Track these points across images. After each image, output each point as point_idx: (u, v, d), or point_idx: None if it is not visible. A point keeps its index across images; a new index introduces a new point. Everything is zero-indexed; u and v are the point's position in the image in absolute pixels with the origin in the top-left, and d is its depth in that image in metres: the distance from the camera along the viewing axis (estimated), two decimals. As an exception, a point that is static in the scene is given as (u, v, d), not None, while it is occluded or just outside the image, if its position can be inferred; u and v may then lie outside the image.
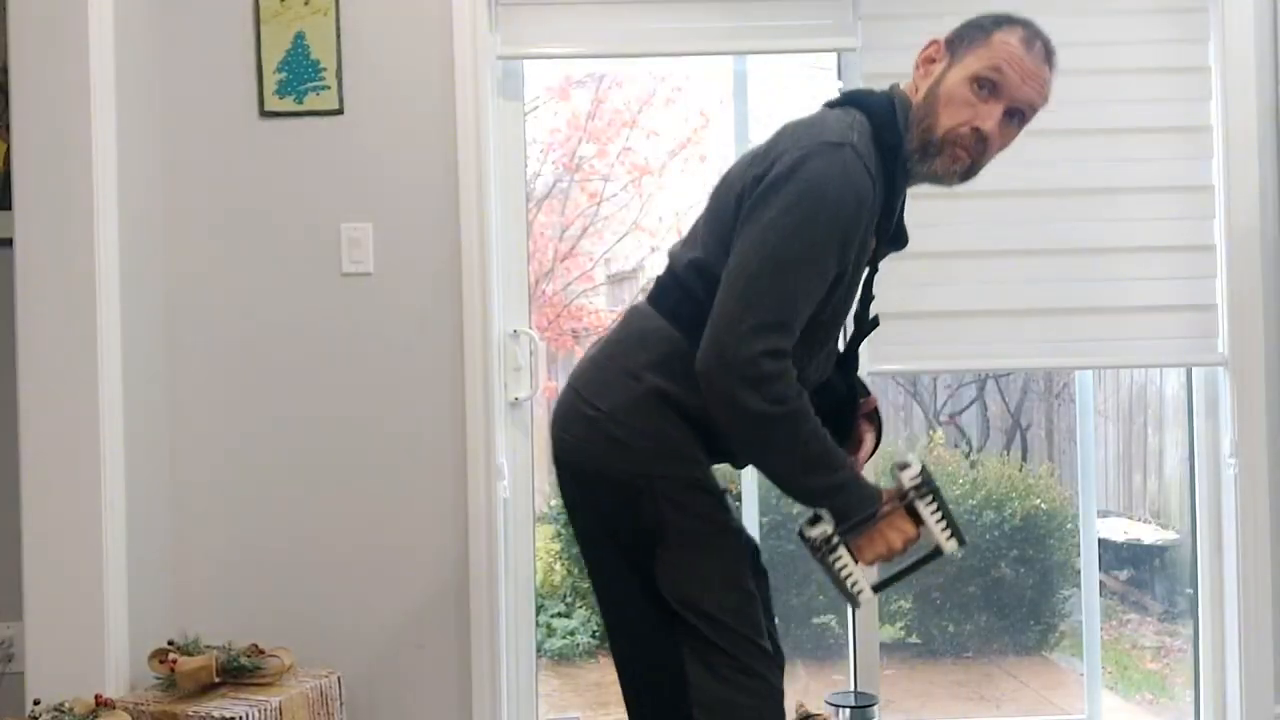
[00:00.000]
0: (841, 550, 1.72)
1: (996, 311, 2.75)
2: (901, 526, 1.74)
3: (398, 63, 2.68)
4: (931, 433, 5.09)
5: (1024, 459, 5.06)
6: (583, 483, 1.83)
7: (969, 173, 1.83)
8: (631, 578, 1.80)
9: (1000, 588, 4.29)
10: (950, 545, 1.75)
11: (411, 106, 2.68)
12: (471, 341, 2.67)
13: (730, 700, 1.76)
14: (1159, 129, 2.75)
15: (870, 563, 1.75)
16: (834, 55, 2.80)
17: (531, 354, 2.79)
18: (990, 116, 1.78)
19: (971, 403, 5.31)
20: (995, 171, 2.72)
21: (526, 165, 2.89)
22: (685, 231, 1.91)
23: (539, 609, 2.86)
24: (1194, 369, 2.86)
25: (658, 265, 4.74)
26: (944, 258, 2.72)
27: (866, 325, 1.94)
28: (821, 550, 1.72)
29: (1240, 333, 2.73)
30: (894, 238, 1.90)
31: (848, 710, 2.64)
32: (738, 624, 1.77)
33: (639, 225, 5.43)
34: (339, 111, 2.67)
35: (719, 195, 1.84)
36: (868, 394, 2.00)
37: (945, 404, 5.30)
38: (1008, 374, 4.99)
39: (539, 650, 2.85)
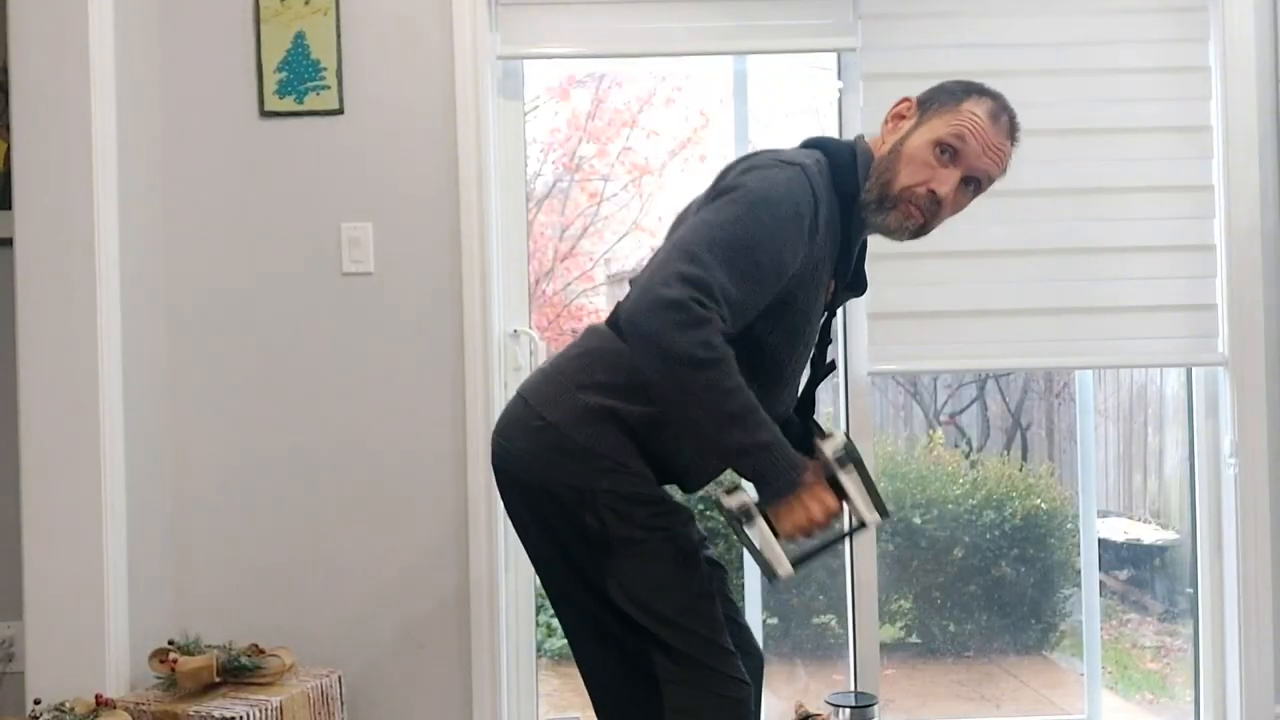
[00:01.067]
0: (760, 521, 1.66)
1: (996, 311, 2.75)
2: (823, 497, 1.69)
3: (398, 63, 2.68)
4: (931, 433, 5.09)
5: (1024, 459, 5.05)
6: (525, 492, 1.82)
7: (920, 231, 1.86)
8: (584, 585, 1.80)
9: (1000, 587, 4.29)
10: (872, 516, 1.70)
11: (411, 106, 2.68)
12: (471, 341, 2.67)
13: (695, 702, 1.76)
14: (1159, 129, 2.75)
15: (790, 535, 1.69)
16: (834, 55, 2.80)
17: (531, 354, 2.79)
18: (947, 181, 1.82)
19: (971, 403, 5.31)
20: (995, 171, 2.73)
21: (526, 165, 2.89)
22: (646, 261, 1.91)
23: (539, 609, 2.86)
24: (1194, 369, 2.86)
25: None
26: (944, 258, 2.72)
27: (823, 369, 1.96)
28: (739, 520, 1.67)
29: (1240, 333, 2.73)
30: (852, 283, 1.93)
31: (848, 710, 2.64)
32: (694, 624, 1.77)
33: (639, 225, 5.43)
34: (339, 111, 2.67)
35: (678, 224, 1.86)
36: (825, 435, 2.00)
37: (945, 404, 5.30)
38: (1008, 374, 4.99)
39: (539, 650, 2.85)
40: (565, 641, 1.94)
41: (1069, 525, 4.27)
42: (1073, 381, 4.18)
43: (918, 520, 4.25)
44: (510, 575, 2.75)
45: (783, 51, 2.79)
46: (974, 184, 1.86)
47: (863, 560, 2.79)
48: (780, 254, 1.71)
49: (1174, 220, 2.76)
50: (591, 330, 1.89)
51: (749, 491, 1.69)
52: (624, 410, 1.76)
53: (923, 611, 4.33)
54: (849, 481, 1.70)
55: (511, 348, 2.76)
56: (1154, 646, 4.24)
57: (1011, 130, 1.88)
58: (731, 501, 1.68)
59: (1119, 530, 4.71)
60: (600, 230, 5.58)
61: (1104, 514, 4.77)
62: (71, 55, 2.32)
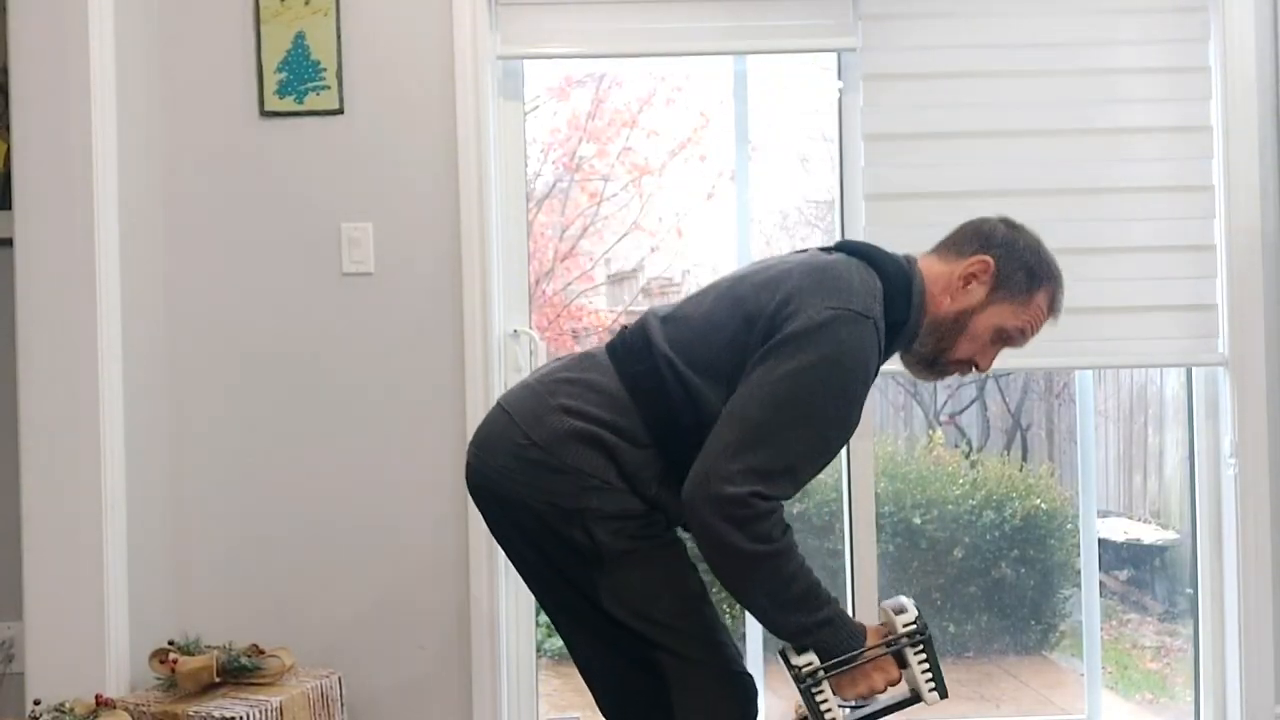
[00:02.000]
0: (825, 685, 1.71)
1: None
2: (887, 669, 1.73)
3: (398, 63, 2.68)
4: (931, 433, 5.09)
5: (1024, 459, 5.05)
6: (506, 508, 1.81)
7: (934, 377, 1.95)
8: (577, 593, 1.79)
9: (1000, 588, 4.29)
10: (932, 697, 1.74)
11: (411, 106, 2.68)
12: (471, 341, 2.67)
13: (701, 699, 1.77)
14: (1159, 129, 2.75)
15: (848, 699, 1.75)
16: (834, 55, 2.80)
17: (531, 354, 2.79)
18: (992, 359, 1.92)
19: (971, 403, 5.31)
20: (996, 171, 2.75)
21: (526, 165, 2.89)
22: (673, 310, 1.89)
23: (539, 609, 2.85)
24: (1194, 369, 2.86)
25: (657, 265, 4.72)
26: (944, 258, 2.72)
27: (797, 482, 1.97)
28: (805, 682, 1.70)
29: (1240, 333, 2.73)
30: None
31: (848, 710, 2.63)
32: (692, 625, 1.78)
33: (639, 225, 5.43)
34: (339, 111, 2.67)
35: (720, 307, 1.82)
36: (899, 609, 2.03)
37: (945, 404, 5.30)
38: (1008, 374, 4.99)
39: (539, 650, 2.85)
40: (568, 648, 1.94)
41: (1069, 526, 4.27)
42: (1073, 382, 4.18)
43: (918, 521, 4.25)
44: (510, 575, 2.75)
45: (783, 51, 2.79)
46: (1004, 343, 1.93)
47: (863, 560, 2.79)
48: (848, 423, 1.74)
49: (1174, 220, 2.76)
50: (589, 358, 1.86)
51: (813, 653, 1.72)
52: (611, 441, 1.75)
53: (923, 612, 4.33)
54: (914, 660, 1.74)
55: (511, 348, 2.76)
56: (1154, 646, 4.24)
57: (1056, 312, 1.97)
58: (800, 661, 1.70)
59: (1119, 530, 4.71)
60: (600, 230, 5.58)
61: (1104, 514, 4.77)
62: (71, 55, 2.32)
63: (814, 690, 1.70)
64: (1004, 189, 2.73)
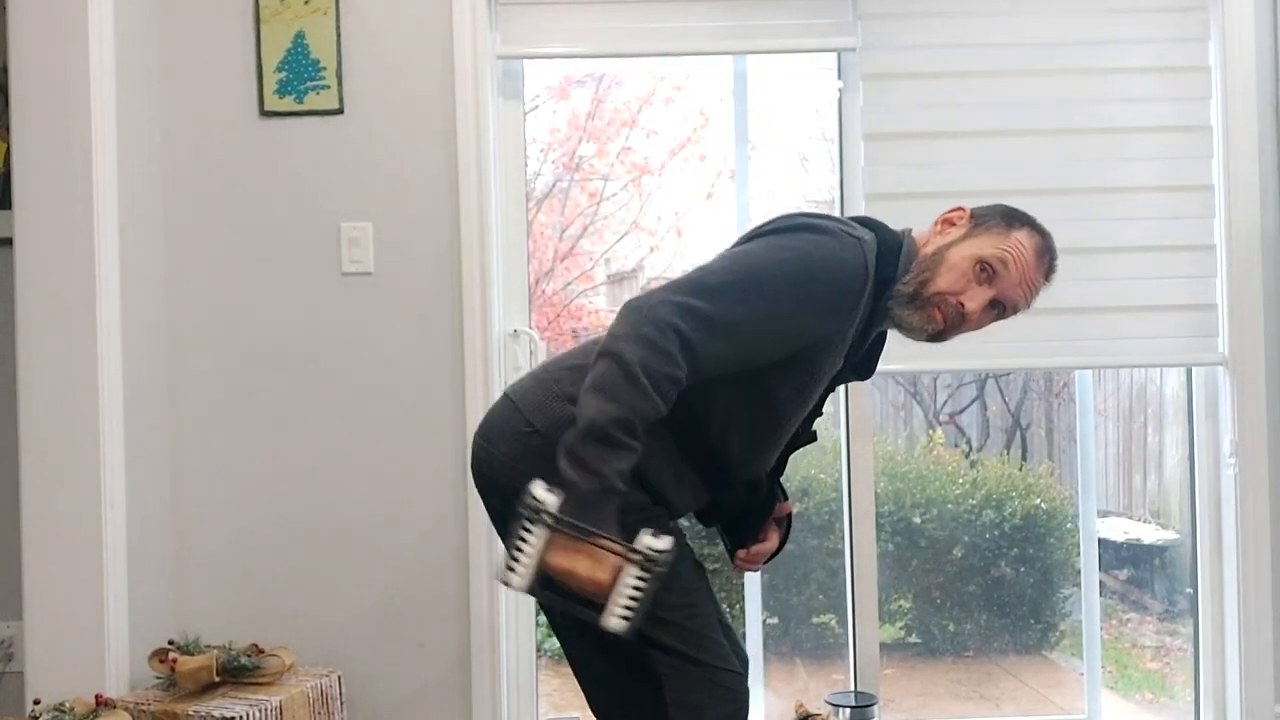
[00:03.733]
0: (539, 533, 1.54)
1: (996, 311, 2.75)
2: (599, 567, 1.55)
3: (398, 63, 2.68)
4: (931, 432, 5.09)
5: (1024, 458, 5.05)
6: (507, 497, 1.77)
7: (937, 337, 1.89)
8: None
9: (1000, 587, 4.29)
10: (614, 623, 1.55)
11: (411, 106, 2.68)
12: (471, 341, 2.67)
13: (695, 696, 1.77)
14: (1159, 129, 2.75)
15: (548, 567, 1.56)
16: (834, 55, 2.80)
17: (531, 354, 2.79)
18: (978, 299, 1.85)
19: (971, 402, 5.30)
20: (996, 171, 2.75)
21: (526, 165, 2.89)
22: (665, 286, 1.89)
23: (539, 609, 2.86)
24: (1194, 369, 2.86)
25: (657, 265, 4.72)
26: (944, 257, 2.72)
27: (803, 437, 1.97)
28: (526, 515, 1.54)
29: (1240, 333, 2.73)
30: (859, 366, 1.95)
31: (848, 710, 2.64)
32: (685, 620, 1.78)
33: (639, 225, 5.43)
34: (339, 111, 2.67)
35: (717, 258, 1.83)
36: (785, 499, 2.04)
37: (945, 404, 5.30)
38: (1008, 374, 4.99)
39: (539, 650, 2.85)
40: (563, 648, 1.94)
41: (1069, 525, 4.27)
42: (1073, 381, 4.18)
43: (917, 520, 4.25)
44: (510, 575, 2.75)
45: (783, 51, 2.79)
46: (999, 309, 1.89)
47: (863, 560, 2.80)
48: (814, 325, 1.72)
49: (1174, 220, 2.76)
50: (594, 344, 1.84)
51: (555, 499, 1.57)
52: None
53: (922, 611, 4.33)
54: (629, 578, 1.55)
55: (511, 348, 2.76)
56: (1154, 646, 4.24)
57: (1049, 271, 1.94)
58: (539, 493, 1.55)
59: (1119, 530, 4.71)
60: (600, 230, 5.58)
61: (1104, 514, 4.77)
62: (71, 55, 2.32)
63: (527, 528, 1.54)
64: (1004, 189, 2.71)
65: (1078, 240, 2.74)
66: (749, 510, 1.96)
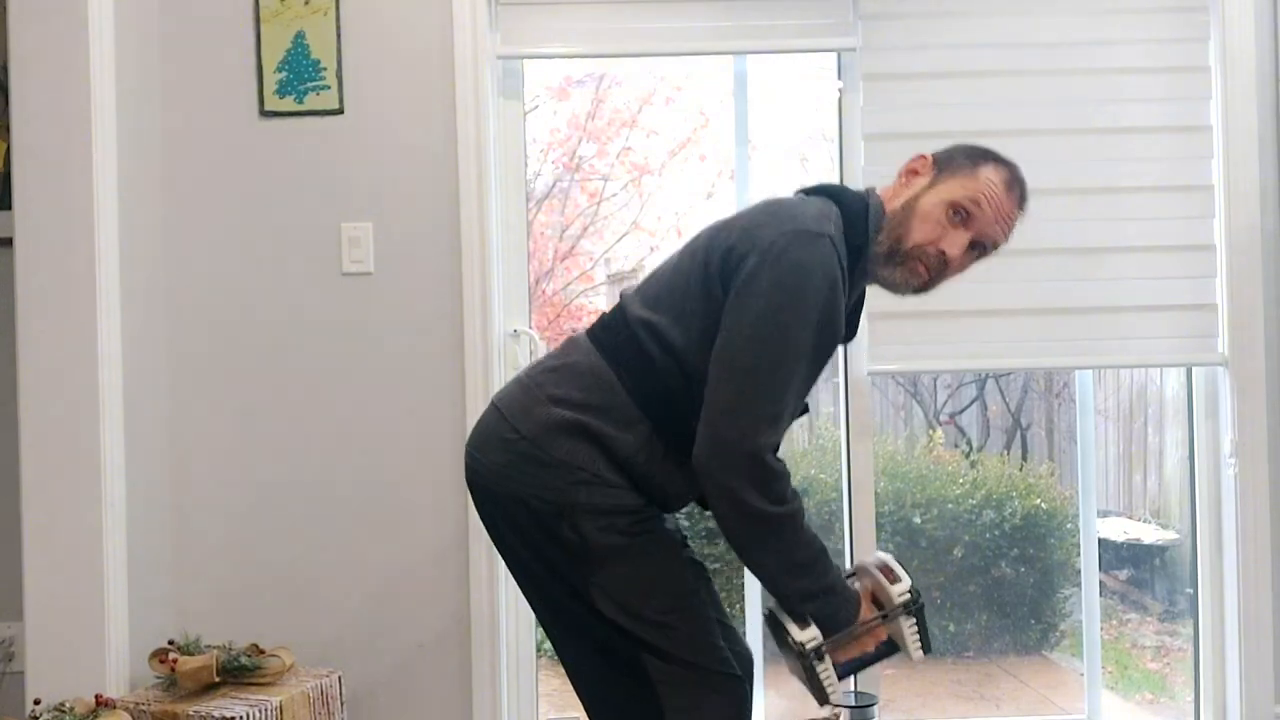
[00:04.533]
0: (827, 658, 1.75)
1: (996, 311, 2.75)
2: (878, 634, 1.81)
3: (398, 63, 2.68)
4: (931, 432, 5.09)
5: (1024, 458, 5.06)
6: (500, 505, 1.82)
7: (923, 289, 1.88)
8: (569, 593, 1.79)
9: (1000, 587, 4.29)
10: (918, 655, 1.81)
11: (411, 106, 2.68)
12: (471, 341, 2.67)
13: (693, 701, 1.76)
14: (1159, 129, 2.75)
15: (840, 663, 1.80)
16: (834, 55, 2.80)
17: (531, 354, 2.79)
18: (957, 243, 1.83)
19: (971, 402, 5.31)
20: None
21: (526, 165, 2.89)
22: (645, 277, 1.91)
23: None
24: (1194, 369, 2.86)
25: (657, 265, 4.70)
26: (944, 257, 2.72)
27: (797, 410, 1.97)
28: (809, 658, 1.73)
29: (1240, 333, 2.73)
30: (846, 331, 1.94)
31: (847, 710, 2.64)
32: (681, 623, 1.77)
33: (639, 225, 5.42)
34: (339, 111, 2.67)
35: (684, 258, 1.84)
36: (893, 579, 2.06)
37: (945, 404, 5.30)
38: (1008, 374, 4.99)
39: (539, 650, 2.85)
40: (556, 652, 1.94)
41: (1069, 525, 4.27)
42: (1073, 381, 4.18)
43: (918, 520, 4.25)
44: (510, 575, 2.75)
45: (783, 51, 2.79)
46: (980, 249, 1.88)
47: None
48: (828, 341, 1.75)
49: (1174, 220, 2.76)
50: (571, 343, 1.87)
51: (814, 627, 1.76)
52: (597, 428, 1.75)
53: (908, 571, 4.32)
54: (906, 628, 1.79)
55: (511, 348, 2.76)
56: (1154, 646, 4.24)
57: (1022, 200, 1.90)
58: (804, 637, 1.74)
59: (1119, 530, 4.71)
60: (600, 230, 5.58)
61: (1104, 514, 4.78)
62: (71, 55, 2.32)
63: (817, 665, 1.73)
64: (1004, 189, 2.72)
65: (1078, 240, 2.75)
66: None
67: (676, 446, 1.76)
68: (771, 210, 1.80)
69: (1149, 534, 4.65)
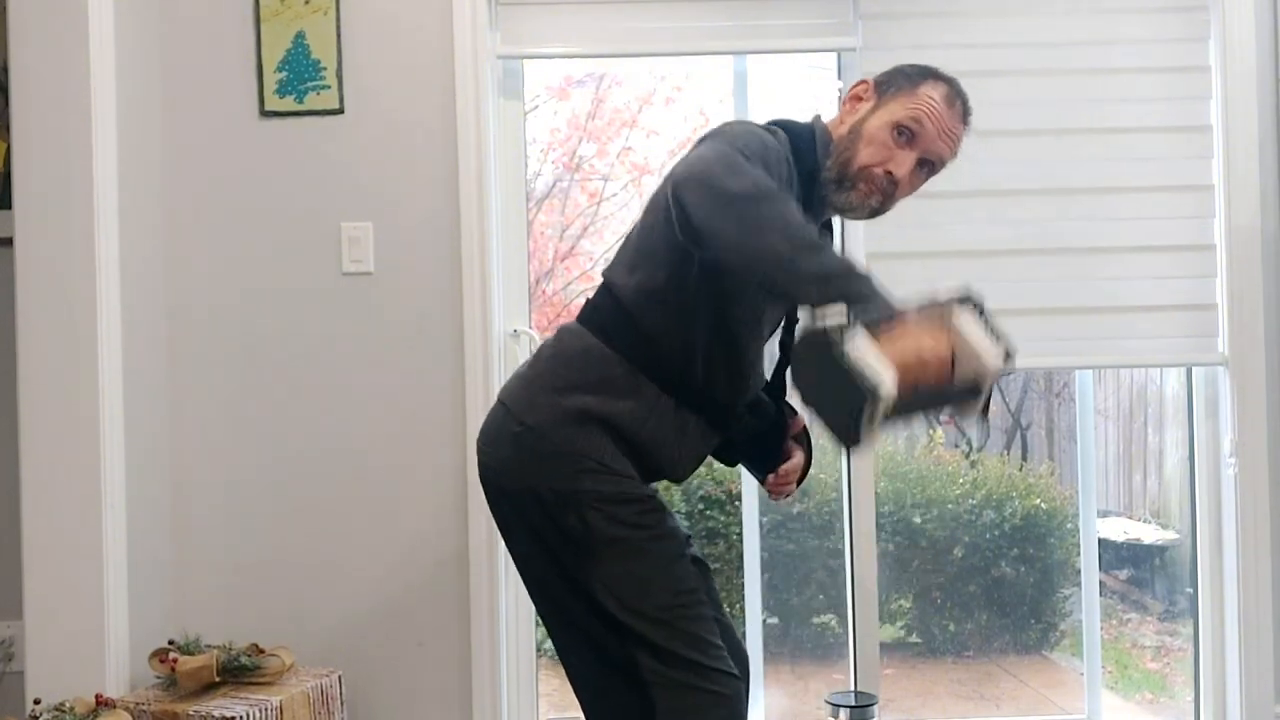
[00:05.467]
0: (863, 337, 1.36)
1: (997, 311, 2.74)
2: (935, 333, 1.43)
3: (398, 63, 2.68)
4: (931, 432, 5.09)
5: (1024, 458, 5.06)
6: (509, 499, 1.83)
7: (877, 211, 1.88)
8: (571, 591, 1.79)
9: (1000, 587, 4.29)
10: (995, 360, 1.42)
11: (411, 106, 2.68)
12: (471, 341, 2.67)
13: (687, 701, 1.75)
14: (1159, 129, 2.75)
15: (895, 363, 1.39)
16: (834, 55, 2.80)
17: (531, 354, 2.79)
18: (904, 163, 1.83)
19: (972, 402, 5.28)
20: (996, 171, 2.75)
21: (526, 165, 2.89)
22: (617, 250, 1.90)
23: (538, 613, 2.85)
24: (1194, 369, 2.86)
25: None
26: (944, 257, 2.72)
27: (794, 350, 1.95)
28: (834, 340, 1.37)
29: (1240, 333, 2.73)
30: None
31: (848, 710, 2.64)
32: (679, 621, 1.76)
33: (639, 225, 5.43)
34: (339, 111, 2.67)
35: (646, 216, 1.85)
36: (795, 414, 2.03)
37: (945, 403, 5.28)
38: (1008, 374, 4.99)
39: (539, 650, 2.85)
40: (557, 651, 1.94)
41: (1069, 525, 4.27)
42: (1073, 381, 4.18)
43: (918, 520, 4.25)
44: (510, 575, 2.75)
45: (783, 51, 2.79)
46: (928, 166, 1.87)
47: (863, 560, 2.79)
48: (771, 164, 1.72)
49: (1174, 220, 2.76)
50: (563, 330, 1.88)
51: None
52: (600, 408, 1.76)
53: (923, 611, 4.33)
54: (969, 324, 1.41)
55: (511, 348, 2.76)
56: (1154, 646, 4.24)
57: (965, 115, 1.89)
58: (830, 312, 1.39)
59: (1119, 530, 4.71)
60: (600, 230, 5.58)
61: (1104, 514, 4.78)
62: (71, 55, 2.32)
63: (848, 346, 1.37)
64: (1004, 188, 2.73)
65: (1078, 240, 2.75)
66: (762, 434, 1.97)
67: (680, 403, 1.78)
68: (709, 133, 1.81)
69: (1149, 534, 4.65)
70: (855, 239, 2.73)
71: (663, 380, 1.78)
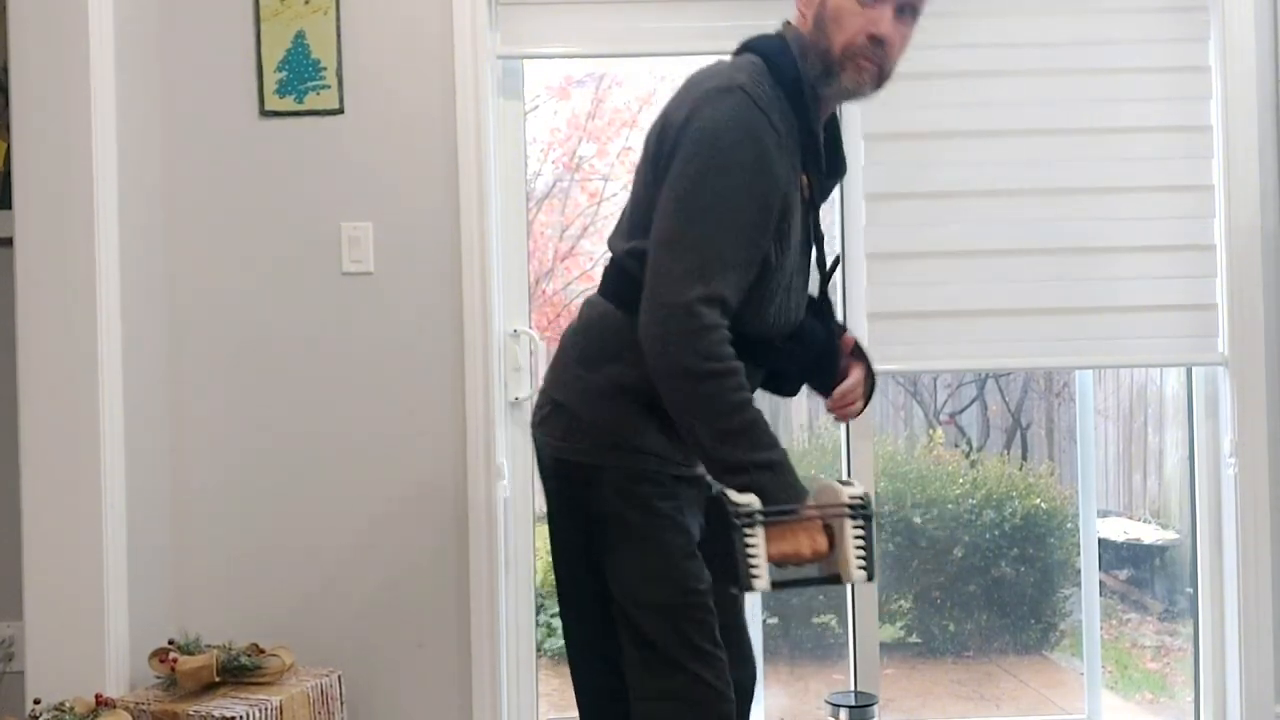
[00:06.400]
0: (758, 533, 1.57)
1: (996, 311, 2.75)
2: (816, 537, 1.62)
3: (398, 63, 2.68)
4: (931, 432, 5.09)
5: (1024, 458, 5.06)
6: (547, 478, 1.86)
7: (880, 80, 1.80)
8: (593, 579, 1.79)
9: (1000, 587, 4.29)
10: (859, 575, 1.62)
11: (411, 106, 2.68)
12: (471, 341, 2.67)
13: (663, 703, 1.74)
14: (1159, 129, 2.75)
15: (771, 558, 1.60)
16: (834, 55, 2.79)
17: (531, 354, 2.79)
18: (882, 20, 1.75)
19: (971, 402, 5.31)
20: (996, 171, 2.75)
21: (526, 165, 2.89)
22: (618, 219, 1.92)
23: (539, 609, 2.86)
24: (1194, 369, 2.86)
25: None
26: (944, 257, 2.72)
27: (829, 268, 1.90)
28: (740, 522, 1.57)
29: (1240, 333, 2.73)
30: (830, 169, 1.86)
31: (847, 710, 2.64)
32: (679, 621, 1.74)
33: (639, 225, 5.42)
34: (339, 111, 2.67)
35: (638, 181, 1.85)
36: (845, 330, 1.97)
37: (945, 403, 5.30)
38: (1008, 374, 4.99)
39: (539, 650, 2.85)
40: (565, 641, 1.94)
41: (1069, 525, 4.27)
42: (1073, 381, 4.18)
43: (918, 520, 4.25)
44: (510, 575, 2.75)
45: (783, 51, 2.78)
46: (909, 10, 1.79)
47: (863, 560, 2.79)
48: (761, 193, 1.69)
49: (1174, 220, 2.76)
50: (586, 303, 1.89)
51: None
52: (624, 378, 1.74)
53: (923, 611, 4.33)
54: (849, 532, 1.62)
55: (511, 348, 2.76)
56: (1154, 646, 4.24)
57: None
58: (742, 499, 1.58)
59: (1119, 530, 4.71)
60: (600, 230, 5.57)
61: (1104, 514, 4.77)
62: (71, 55, 2.32)
63: (747, 533, 1.57)
64: (1003, 188, 2.73)
65: (1078, 240, 2.75)
66: (816, 358, 1.89)
67: None
68: (685, 86, 1.80)
69: (1149, 534, 4.65)
70: (855, 239, 2.74)
71: None
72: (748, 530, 1.57)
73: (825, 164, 1.85)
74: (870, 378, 1.96)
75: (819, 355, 1.89)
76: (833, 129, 1.90)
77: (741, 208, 1.67)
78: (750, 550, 1.57)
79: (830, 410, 1.94)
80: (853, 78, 1.77)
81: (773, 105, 1.72)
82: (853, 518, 1.62)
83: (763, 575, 1.58)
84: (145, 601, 2.47)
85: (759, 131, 1.69)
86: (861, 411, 1.97)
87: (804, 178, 1.79)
